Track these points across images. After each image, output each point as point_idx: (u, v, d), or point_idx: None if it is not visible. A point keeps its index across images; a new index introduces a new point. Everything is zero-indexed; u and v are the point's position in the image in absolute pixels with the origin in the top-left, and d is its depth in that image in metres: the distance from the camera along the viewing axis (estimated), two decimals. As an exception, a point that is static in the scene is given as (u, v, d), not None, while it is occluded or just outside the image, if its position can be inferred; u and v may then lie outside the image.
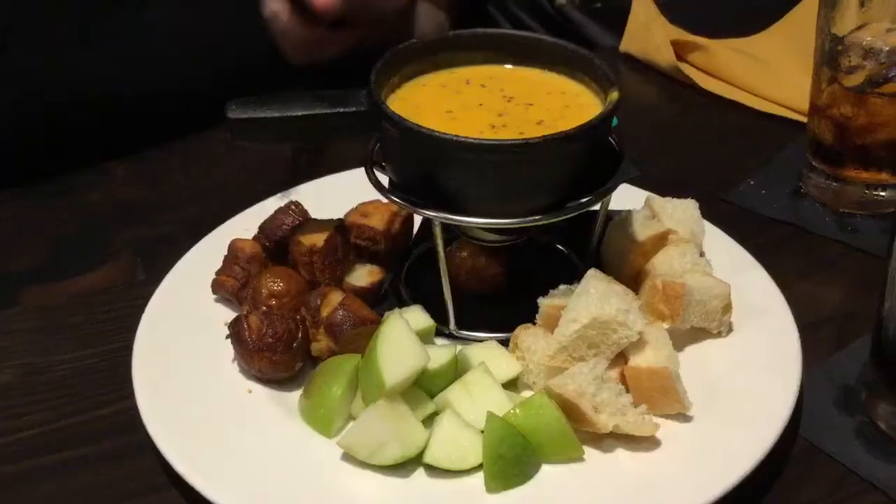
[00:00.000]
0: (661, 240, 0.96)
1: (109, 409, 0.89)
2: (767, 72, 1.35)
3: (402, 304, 0.94)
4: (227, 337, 0.88)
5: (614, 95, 0.88)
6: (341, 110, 0.88)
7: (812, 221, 1.13)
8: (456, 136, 0.83)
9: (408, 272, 1.01)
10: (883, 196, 1.12)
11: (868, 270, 1.04)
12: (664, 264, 0.94)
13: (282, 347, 0.86)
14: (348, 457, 0.80)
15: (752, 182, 1.19)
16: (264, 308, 0.90)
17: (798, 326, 0.91)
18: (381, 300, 0.97)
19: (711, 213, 1.03)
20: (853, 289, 1.04)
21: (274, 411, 0.85)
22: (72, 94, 1.22)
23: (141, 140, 1.25)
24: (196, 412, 0.84)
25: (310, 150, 1.20)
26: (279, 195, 1.08)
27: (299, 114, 0.88)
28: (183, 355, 0.89)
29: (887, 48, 1.04)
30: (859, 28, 1.05)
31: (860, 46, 1.05)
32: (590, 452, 0.81)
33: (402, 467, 0.79)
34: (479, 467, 0.79)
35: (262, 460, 0.80)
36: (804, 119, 1.21)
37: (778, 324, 0.92)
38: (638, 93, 1.39)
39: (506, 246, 0.95)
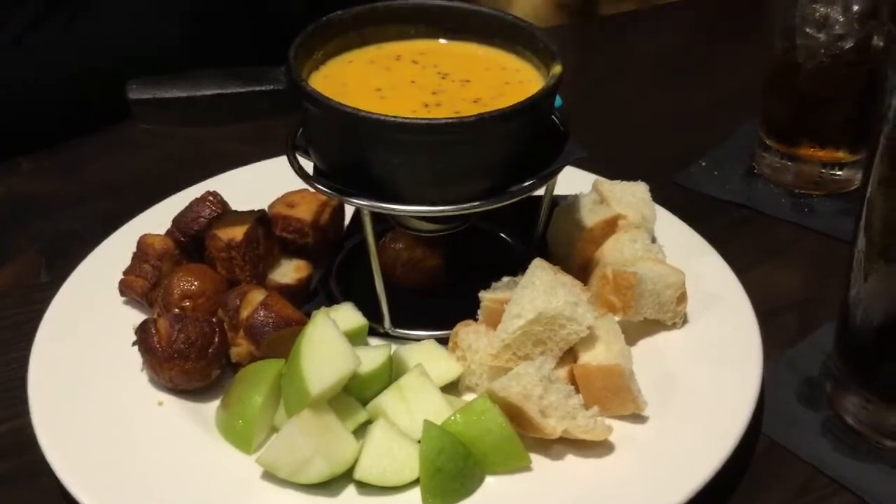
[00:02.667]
0: (611, 225, 0.93)
1: (4, 427, 0.82)
2: None
3: (332, 301, 0.90)
4: (133, 343, 0.80)
5: (557, 70, 0.83)
6: (257, 89, 0.82)
7: (766, 203, 1.10)
8: (384, 115, 0.78)
9: (339, 267, 0.97)
10: (840, 175, 1.09)
11: (826, 253, 1.02)
12: (614, 252, 0.91)
13: (195, 354, 0.80)
14: (270, 475, 0.74)
15: (703, 163, 1.16)
16: (177, 310, 0.82)
17: (756, 314, 0.88)
18: (311, 298, 0.92)
19: (662, 196, 1.00)
20: (811, 273, 1.02)
21: (187, 426, 0.79)
22: None
23: (50, 132, 1.17)
24: (99, 429, 0.78)
25: (231, 135, 1.12)
26: (196, 186, 1.01)
27: (209, 93, 0.81)
28: (85, 366, 0.83)
29: (842, 19, 1.01)
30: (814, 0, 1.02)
31: (815, 19, 1.02)
32: (537, 461, 0.76)
33: (329, 485, 0.74)
34: (416, 482, 0.74)
35: (174, 482, 0.74)
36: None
37: (736, 313, 0.89)
38: (584, 71, 1.36)
39: (444, 235, 0.91)
